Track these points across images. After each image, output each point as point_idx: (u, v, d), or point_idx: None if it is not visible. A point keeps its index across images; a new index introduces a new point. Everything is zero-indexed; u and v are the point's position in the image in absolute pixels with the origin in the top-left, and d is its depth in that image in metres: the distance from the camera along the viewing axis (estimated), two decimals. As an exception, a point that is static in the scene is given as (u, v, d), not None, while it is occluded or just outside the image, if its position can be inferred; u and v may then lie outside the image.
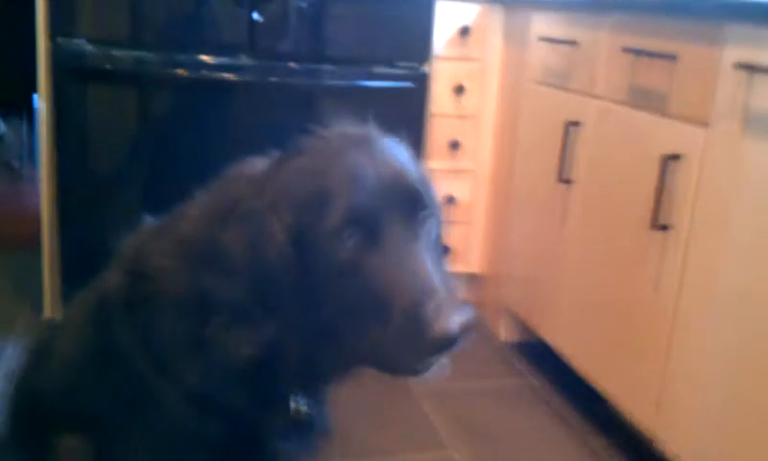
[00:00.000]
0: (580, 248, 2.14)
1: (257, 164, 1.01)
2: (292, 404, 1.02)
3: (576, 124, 2.12)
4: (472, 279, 2.88)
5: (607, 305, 2.00)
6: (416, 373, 0.88)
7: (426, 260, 0.91)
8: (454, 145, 2.69)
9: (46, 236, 2.37)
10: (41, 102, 2.25)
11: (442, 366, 0.89)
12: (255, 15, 2.30)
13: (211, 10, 2.29)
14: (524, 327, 2.58)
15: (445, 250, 2.72)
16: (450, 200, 2.71)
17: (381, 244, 0.89)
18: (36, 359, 1.17)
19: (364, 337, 0.89)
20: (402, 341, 0.86)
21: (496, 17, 2.62)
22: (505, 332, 2.66)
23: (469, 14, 2.60)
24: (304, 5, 2.35)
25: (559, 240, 2.24)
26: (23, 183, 4.01)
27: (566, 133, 2.15)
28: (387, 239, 0.89)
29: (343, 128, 1.01)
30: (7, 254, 3.01)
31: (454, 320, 0.85)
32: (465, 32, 2.61)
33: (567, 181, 2.17)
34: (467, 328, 0.86)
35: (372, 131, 1.01)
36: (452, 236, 2.75)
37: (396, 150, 0.99)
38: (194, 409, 0.96)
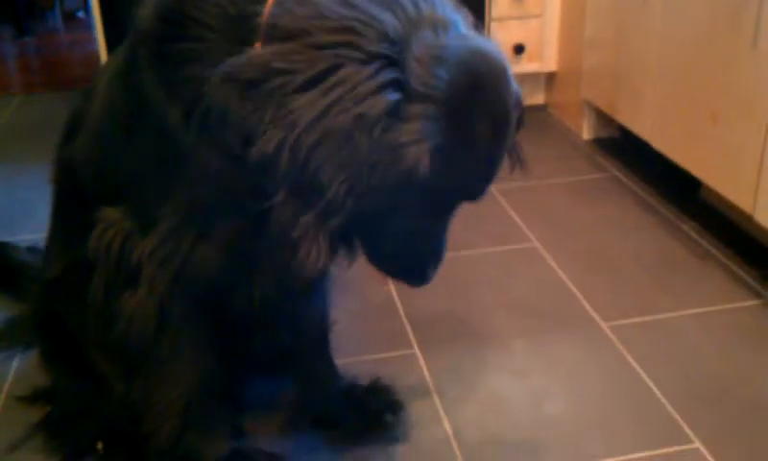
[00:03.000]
0: (665, 21, 1.94)
1: None
2: None
3: None
4: (549, 77, 2.71)
5: (698, 81, 1.83)
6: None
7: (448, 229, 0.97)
8: (522, -69, 2.46)
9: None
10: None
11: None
12: None
13: None
14: (608, 122, 2.43)
15: (520, 48, 2.56)
16: (521, -7, 2.51)
17: (434, 213, 0.92)
18: (70, 128, 1.12)
19: (375, 250, 0.97)
20: (400, 270, 0.99)
21: None
22: (587, 130, 2.51)
23: None
24: None
25: (641, 19, 2.05)
26: (88, 31, 4.00)
27: None
28: (443, 212, 0.94)
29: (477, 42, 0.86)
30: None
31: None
32: None
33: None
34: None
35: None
36: (525, 33, 2.56)
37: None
38: (230, 166, 0.89)
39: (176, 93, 0.88)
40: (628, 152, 2.33)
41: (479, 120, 0.82)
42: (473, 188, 0.90)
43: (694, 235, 1.89)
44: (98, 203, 1.02)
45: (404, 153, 0.79)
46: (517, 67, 2.49)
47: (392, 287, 1.67)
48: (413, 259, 0.97)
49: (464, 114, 0.81)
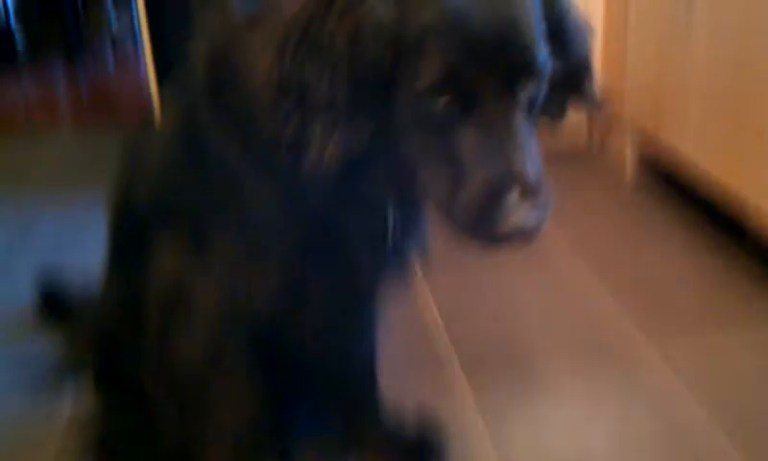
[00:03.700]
0: (708, 39, 1.92)
1: None
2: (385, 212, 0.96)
3: None
4: (592, 97, 2.69)
5: (743, 98, 1.80)
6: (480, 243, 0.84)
7: (520, 137, 0.80)
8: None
9: (157, 103, 2.39)
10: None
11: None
12: None
13: None
14: (650, 143, 2.40)
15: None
16: (562, 13, 2.51)
17: (474, 109, 0.78)
18: (127, 163, 1.15)
19: (436, 193, 0.84)
20: (471, 217, 0.80)
21: None
22: (629, 152, 2.49)
23: None
24: None
25: (684, 37, 2.03)
26: (136, 59, 4.09)
27: None
28: (482, 105, 0.78)
29: None
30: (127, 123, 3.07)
31: (530, 218, 0.80)
32: None
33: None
34: (538, 228, 0.81)
35: None
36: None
37: None
38: (285, 204, 0.92)
39: (234, 134, 0.91)
40: (673, 175, 2.31)
41: None
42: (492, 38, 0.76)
43: (744, 257, 1.86)
44: (154, 236, 1.04)
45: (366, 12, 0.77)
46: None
47: (435, 311, 1.67)
48: (485, 188, 0.79)
49: None
